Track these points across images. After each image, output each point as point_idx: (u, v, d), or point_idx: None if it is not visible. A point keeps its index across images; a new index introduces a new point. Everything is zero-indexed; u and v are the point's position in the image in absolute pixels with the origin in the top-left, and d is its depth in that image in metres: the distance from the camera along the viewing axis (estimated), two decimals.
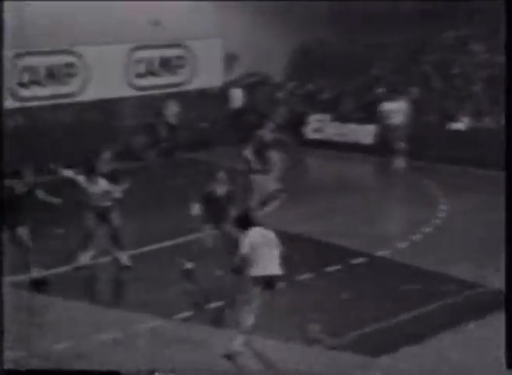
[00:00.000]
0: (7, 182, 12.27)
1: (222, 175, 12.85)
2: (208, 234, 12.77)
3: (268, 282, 9.97)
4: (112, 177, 13.24)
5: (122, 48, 21.78)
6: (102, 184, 13.12)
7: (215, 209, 12.55)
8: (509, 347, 8.46)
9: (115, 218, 13.22)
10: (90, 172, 13.15)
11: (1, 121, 13.64)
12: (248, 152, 16.42)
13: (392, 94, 21.69)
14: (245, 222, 10.32)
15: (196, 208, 12.62)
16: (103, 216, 13.14)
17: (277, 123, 18.74)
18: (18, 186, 12.36)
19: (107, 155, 13.37)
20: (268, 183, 16.41)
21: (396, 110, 20.64)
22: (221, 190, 12.75)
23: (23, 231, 12.36)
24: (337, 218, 15.94)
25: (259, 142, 16.54)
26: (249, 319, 9.89)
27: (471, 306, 11.42)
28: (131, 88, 22.18)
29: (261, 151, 16.42)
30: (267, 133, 16.81)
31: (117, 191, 13.21)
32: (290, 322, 11.12)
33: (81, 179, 13.07)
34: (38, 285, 12.38)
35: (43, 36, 19.66)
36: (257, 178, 16.30)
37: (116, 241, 13.33)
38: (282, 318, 11.19)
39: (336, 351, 10.12)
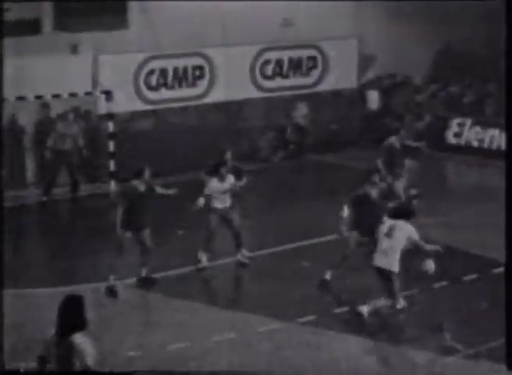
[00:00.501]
0: (130, 183, 12.87)
1: (376, 178, 12.93)
2: (353, 239, 12.67)
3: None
4: (234, 174, 13.65)
5: (252, 49, 22.02)
6: (231, 180, 13.53)
7: (368, 213, 12.46)
8: (509, 347, 8.55)
9: (236, 219, 13.54)
10: (215, 172, 13.49)
11: (1, 124, 14.24)
12: (379, 162, 16.28)
13: None
14: (407, 212, 11.60)
15: (345, 211, 12.62)
16: (224, 217, 13.48)
17: (416, 127, 18.50)
18: (140, 186, 12.76)
19: (228, 155, 13.81)
20: (398, 190, 16.18)
21: None
22: (375, 193, 12.74)
23: (145, 233, 12.76)
24: (475, 225, 15.72)
25: (389, 151, 16.34)
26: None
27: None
28: (259, 90, 22.40)
29: (391, 160, 16.21)
30: (396, 142, 16.58)
31: (239, 186, 13.60)
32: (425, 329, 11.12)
33: (213, 181, 13.45)
34: (147, 285, 12.72)
35: (174, 39, 20.20)
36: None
37: (238, 241, 13.65)
38: (413, 325, 11.28)
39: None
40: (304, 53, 22.98)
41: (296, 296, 12.25)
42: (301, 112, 22.80)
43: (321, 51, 23.04)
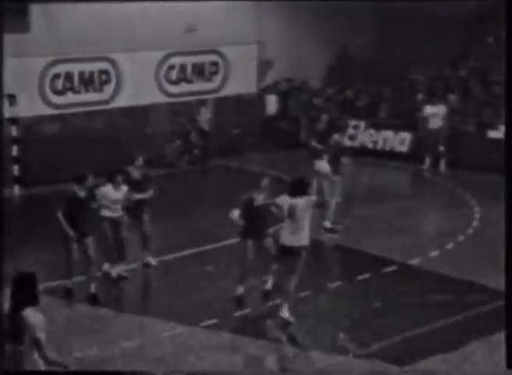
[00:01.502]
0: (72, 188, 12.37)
1: (265, 183, 12.30)
2: (247, 246, 12.07)
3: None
4: (143, 183, 13.38)
5: (156, 54, 21.88)
6: (124, 190, 13.02)
7: (254, 218, 11.95)
8: (509, 347, 8.44)
9: (124, 228, 13.09)
10: (119, 179, 13.03)
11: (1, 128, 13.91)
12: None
13: (431, 99, 21.66)
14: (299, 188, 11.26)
15: (235, 214, 12.03)
16: (116, 225, 13.01)
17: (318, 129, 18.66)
18: (80, 192, 12.31)
19: (139, 161, 13.56)
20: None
21: (437, 114, 20.79)
22: (260, 198, 12.06)
23: (88, 240, 12.32)
24: (370, 226, 15.95)
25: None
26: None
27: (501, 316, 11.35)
28: (164, 95, 22.28)
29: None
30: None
31: (149, 196, 13.41)
32: (320, 330, 11.14)
33: (108, 188, 12.96)
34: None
35: (78, 42, 19.88)
36: None
37: (146, 245, 13.58)
38: (310, 326, 11.27)
39: (365, 359, 10.17)
40: (207, 58, 22.93)
41: (200, 300, 12.19)
42: (205, 116, 22.86)
43: (222, 57, 23.06)
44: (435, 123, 20.83)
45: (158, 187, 13.86)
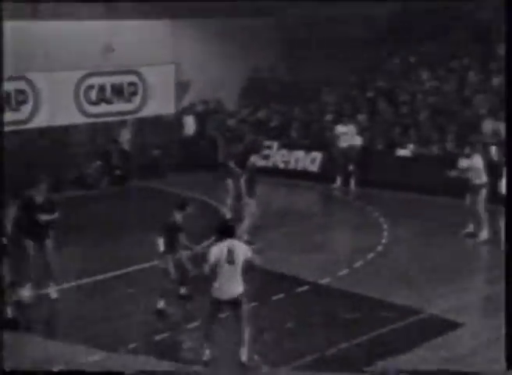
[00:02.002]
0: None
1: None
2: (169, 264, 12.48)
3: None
4: (47, 207, 13.03)
5: (75, 74, 21.71)
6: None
7: (172, 237, 12.44)
8: (509, 347, 8.51)
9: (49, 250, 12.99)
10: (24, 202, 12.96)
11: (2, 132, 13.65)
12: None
13: (341, 119, 22.10)
14: (225, 231, 10.45)
15: (160, 242, 12.42)
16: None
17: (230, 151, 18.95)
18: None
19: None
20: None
21: (347, 133, 21.22)
22: (180, 218, 12.61)
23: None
24: (282, 246, 16.09)
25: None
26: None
27: (411, 332, 11.61)
28: (84, 115, 22.13)
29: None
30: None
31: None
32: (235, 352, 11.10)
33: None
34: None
35: None
36: None
37: (48, 273, 13.19)
38: (224, 349, 11.19)
39: None
40: (125, 79, 22.89)
41: (121, 324, 12.10)
42: (125, 137, 22.79)
43: (141, 78, 23.04)
44: (346, 142, 21.29)
45: (77, 208, 13.75)
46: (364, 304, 12.75)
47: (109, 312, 12.68)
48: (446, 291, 13.10)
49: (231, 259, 10.26)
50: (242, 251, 10.36)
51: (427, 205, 19.10)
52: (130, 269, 14.62)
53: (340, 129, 21.53)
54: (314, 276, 13.97)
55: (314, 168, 22.22)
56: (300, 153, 22.48)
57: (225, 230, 10.50)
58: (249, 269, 10.51)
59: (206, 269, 10.31)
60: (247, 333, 10.44)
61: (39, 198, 13.03)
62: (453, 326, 11.68)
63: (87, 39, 21.79)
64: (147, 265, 14.50)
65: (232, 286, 10.31)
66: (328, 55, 24.23)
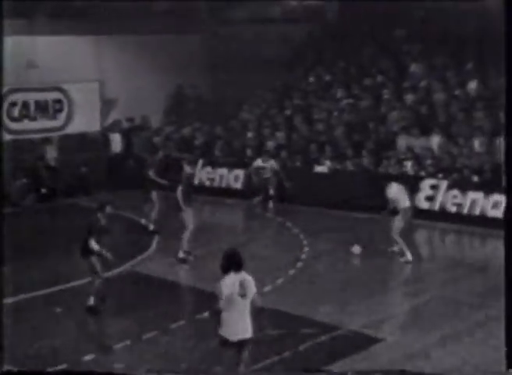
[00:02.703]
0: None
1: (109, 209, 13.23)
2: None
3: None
4: None
5: None
6: None
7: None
8: (509, 347, 8.44)
9: None
10: None
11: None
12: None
13: (263, 155, 22.10)
14: (234, 262, 9.35)
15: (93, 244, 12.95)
16: None
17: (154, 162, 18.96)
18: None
19: None
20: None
21: (266, 167, 21.34)
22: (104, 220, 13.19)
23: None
24: (206, 264, 15.84)
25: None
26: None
27: (331, 348, 11.70)
28: (6, 132, 21.72)
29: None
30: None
31: None
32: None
33: None
34: None
35: None
36: None
37: None
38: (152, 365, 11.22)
39: None
40: (50, 96, 22.66)
41: (47, 344, 11.87)
42: (51, 154, 22.52)
43: (66, 94, 22.85)
44: (266, 175, 21.37)
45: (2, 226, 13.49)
46: (285, 320, 12.78)
47: (35, 332, 12.48)
48: (366, 306, 13.25)
49: (243, 293, 9.25)
50: (252, 283, 9.36)
51: (346, 221, 19.42)
52: (55, 288, 14.47)
53: (260, 163, 21.56)
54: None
55: (237, 185, 22.38)
56: (224, 170, 22.57)
57: (235, 261, 9.39)
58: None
59: (221, 304, 9.24)
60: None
61: None
62: (372, 340, 11.83)
63: (9, 55, 21.38)
64: (72, 284, 14.47)
65: (245, 322, 9.26)
66: (248, 73, 24.43)
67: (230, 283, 9.28)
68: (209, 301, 13.35)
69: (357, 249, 16.19)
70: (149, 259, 16.13)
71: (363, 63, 24.44)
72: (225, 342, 9.31)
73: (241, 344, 9.31)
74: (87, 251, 13.06)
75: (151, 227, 18.06)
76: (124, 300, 13.84)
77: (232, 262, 9.37)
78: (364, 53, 24.61)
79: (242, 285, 9.27)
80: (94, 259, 13.08)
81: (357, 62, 24.47)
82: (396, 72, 23.62)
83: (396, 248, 16.06)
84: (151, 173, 17.78)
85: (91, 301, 13.09)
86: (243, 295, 9.25)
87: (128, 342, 11.82)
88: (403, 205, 15.75)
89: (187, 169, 16.35)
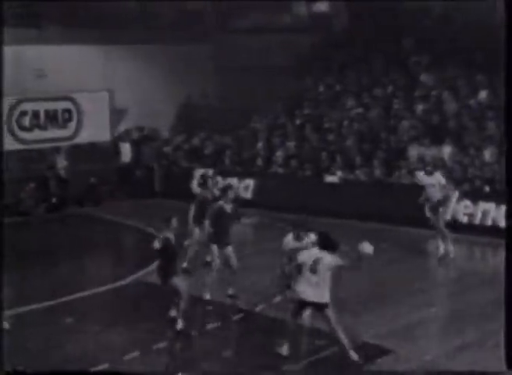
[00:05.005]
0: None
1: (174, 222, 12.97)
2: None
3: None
4: None
5: (7, 100, 21.45)
6: None
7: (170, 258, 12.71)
8: (508, 347, 8.53)
9: None
10: None
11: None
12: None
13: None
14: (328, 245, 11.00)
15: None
16: None
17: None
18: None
19: None
20: None
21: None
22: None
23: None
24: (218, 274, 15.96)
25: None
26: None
27: (341, 360, 11.59)
28: (17, 142, 21.90)
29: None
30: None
31: None
32: None
33: None
34: None
35: None
36: None
37: None
38: None
39: None
40: (59, 105, 22.73)
41: (59, 355, 11.93)
42: (61, 164, 22.59)
43: (75, 104, 22.93)
44: None
45: (13, 235, 13.59)
46: (297, 331, 12.62)
47: (45, 342, 12.51)
48: (376, 317, 13.29)
49: (314, 269, 10.88)
50: (328, 262, 10.91)
51: (357, 231, 19.41)
52: (66, 298, 14.51)
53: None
54: (250, 304, 14.01)
55: (247, 195, 22.43)
56: (234, 180, 22.57)
57: (328, 244, 11.10)
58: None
59: (288, 269, 11.23)
60: (340, 333, 11.09)
61: None
62: (382, 352, 11.83)
63: (19, 64, 21.59)
64: (82, 294, 14.53)
65: (315, 292, 10.94)
66: (256, 82, 24.55)
67: (307, 255, 11.01)
68: (220, 311, 13.80)
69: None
70: None
71: (373, 72, 24.55)
72: (300, 301, 11.09)
73: (318, 305, 11.03)
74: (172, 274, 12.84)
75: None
76: (134, 310, 13.89)
77: (326, 244, 11.01)
78: (373, 62, 24.72)
79: (315, 262, 10.83)
80: (177, 280, 12.84)
81: (366, 72, 24.57)
82: (406, 81, 23.73)
83: (441, 253, 16.20)
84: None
85: (180, 324, 12.84)
86: (312, 270, 10.84)
87: (138, 353, 11.88)
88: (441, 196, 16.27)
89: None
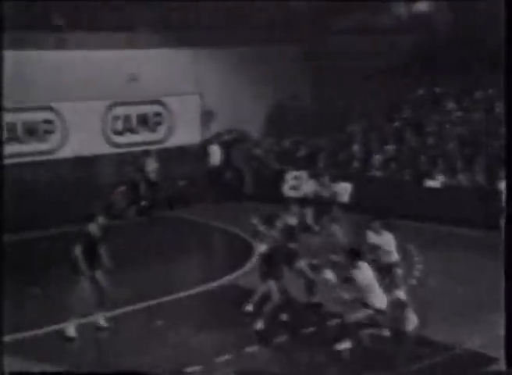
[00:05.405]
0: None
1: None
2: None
3: None
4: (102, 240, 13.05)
5: (100, 104, 21.66)
6: None
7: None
8: (508, 347, 8.53)
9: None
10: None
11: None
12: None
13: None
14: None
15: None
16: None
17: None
18: (94, 229, 12.77)
19: (100, 219, 13.10)
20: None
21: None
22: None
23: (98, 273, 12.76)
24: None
25: None
26: None
27: (445, 369, 11.32)
28: (110, 145, 22.05)
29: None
30: None
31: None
32: None
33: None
34: None
35: (22, 91, 19.59)
36: None
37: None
38: None
39: None
40: (151, 109, 22.84)
41: (149, 356, 11.84)
42: (151, 167, 22.65)
43: (166, 107, 23.00)
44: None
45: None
46: (399, 339, 12.40)
47: (135, 344, 12.49)
48: (481, 325, 12.81)
49: None
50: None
51: (457, 237, 18.79)
52: (157, 300, 14.44)
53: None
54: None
55: (344, 199, 21.80)
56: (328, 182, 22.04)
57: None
58: None
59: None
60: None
61: (96, 232, 12.93)
62: (489, 360, 11.39)
63: (111, 68, 21.76)
64: (173, 296, 14.49)
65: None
66: (352, 84, 24.13)
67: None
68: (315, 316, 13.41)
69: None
70: (250, 272, 15.78)
71: (476, 74, 23.78)
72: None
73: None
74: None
75: None
76: (225, 313, 13.72)
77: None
78: (474, 65, 23.95)
79: None
80: (271, 283, 12.78)
81: (467, 74, 23.83)
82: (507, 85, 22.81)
83: None
84: None
85: (259, 324, 12.74)
86: None
87: (230, 356, 11.71)
88: None
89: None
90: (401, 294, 12.89)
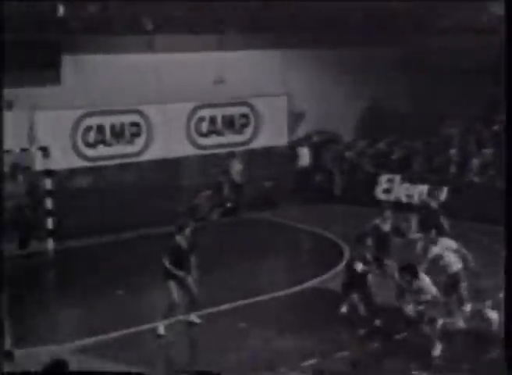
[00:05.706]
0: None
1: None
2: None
3: None
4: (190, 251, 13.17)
5: (186, 106, 21.57)
6: None
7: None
8: (508, 347, 8.41)
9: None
10: None
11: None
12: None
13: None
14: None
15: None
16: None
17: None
18: (182, 241, 13.05)
19: (187, 231, 13.22)
20: None
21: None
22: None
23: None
24: None
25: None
26: None
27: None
28: (195, 147, 21.92)
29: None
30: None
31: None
32: None
33: None
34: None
35: (108, 94, 19.67)
36: None
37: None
38: None
39: None
40: (237, 110, 22.62)
41: (231, 358, 11.75)
42: (237, 169, 22.43)
43: (252, 109, 22.75)
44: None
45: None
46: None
47: (218, 345, 12.43)
48: None
49: None
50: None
51: None
52: (242, 302, 14.28)
53: None
54: None
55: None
56: (424, 187, 21.40)
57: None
58: None
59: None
60: None
61: (183, 243, 13.07)
62: None
63: (198, 70, 21.67)
64: (258, 298, 14.33)
65: None
66: (449, 85, 23.38)
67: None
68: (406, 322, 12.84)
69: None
70: (338, 276, 15.25)
71: None
72: None
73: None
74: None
75: None
76: (312, 317, 13.46)
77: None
78: None
79: None
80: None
81: None
82: None
83: None
84: None
85: (343, 308, 13.37)
86: None
87: (316, 360, 11.47)
88: None
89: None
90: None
